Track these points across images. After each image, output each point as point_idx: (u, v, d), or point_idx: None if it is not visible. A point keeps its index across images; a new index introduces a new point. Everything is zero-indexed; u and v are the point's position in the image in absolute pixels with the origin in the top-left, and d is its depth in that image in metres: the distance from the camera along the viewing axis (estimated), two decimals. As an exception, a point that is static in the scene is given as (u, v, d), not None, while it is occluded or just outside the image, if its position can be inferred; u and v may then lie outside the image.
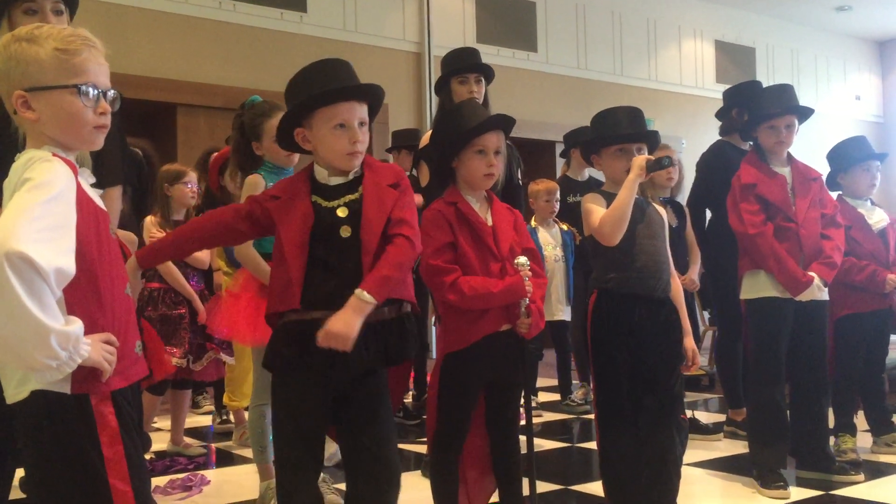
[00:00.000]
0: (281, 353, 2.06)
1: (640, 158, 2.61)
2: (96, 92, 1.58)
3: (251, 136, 3.04)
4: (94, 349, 1.48)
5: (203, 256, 4.07)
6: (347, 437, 2.15)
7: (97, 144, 1.65)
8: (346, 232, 2.06)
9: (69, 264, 1.42)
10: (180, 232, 2.35)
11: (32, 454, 1.54)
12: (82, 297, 1.50)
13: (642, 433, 2.65)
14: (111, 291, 1.58)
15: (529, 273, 2.42)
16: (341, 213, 2.09)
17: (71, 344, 1.42)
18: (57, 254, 1.39)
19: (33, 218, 1.38)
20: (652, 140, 2.76)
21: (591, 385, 2.74)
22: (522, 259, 2.43)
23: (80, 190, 1.54)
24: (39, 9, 2.50)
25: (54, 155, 1.54)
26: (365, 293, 1.96)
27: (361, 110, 2.13)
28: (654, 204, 2.80)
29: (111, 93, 1.62)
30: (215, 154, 4.03)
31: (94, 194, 1.64)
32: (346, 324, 1.93)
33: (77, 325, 1.45)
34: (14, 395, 1.53)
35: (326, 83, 2.09)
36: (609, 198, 2.69)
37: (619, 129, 2.68)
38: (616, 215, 2.58)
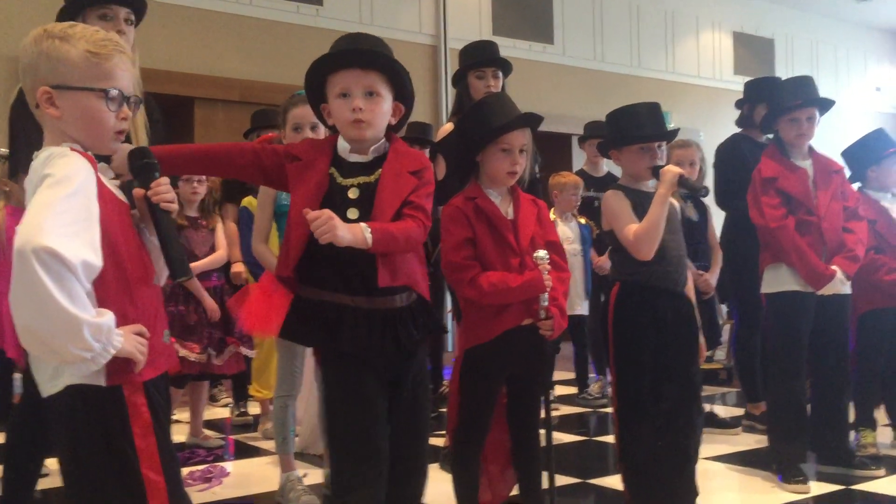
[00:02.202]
0: (316, 334, 2.02)
1: (672, 173, 2.58)
2: (122, 98, 1.60)
3: (280, 124, 3.06)
4: (126, 340, 1.49)
5: (219, 255, 4.05)
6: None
7: (113, 149, 1.66)
8: (353, 214, 1.99)
9: (95, 257, 1.43)
10: (187, 150, 2.15)
11: (67, 447, 1.55)
12: (112, 289, 1.51)
13: (662, 424, 2.65)
14: (139, 282, 1.59)
15: (548, 267, 2.41)
16: (352, 194, 2.02)
17: (104, 335, 1.43)
18: (82, 247, 1.40)
19: (57, 213, 1.39)
20: (672, 139, 2.76)
21: (611, 377, 2.73)
22: (541, 253, 2.42)
23: (100, 183, 1.55)
24: (115, 16, 2.57)
25: (72, 149, 1.54)
26: (368, 231, 1.90)
27: (366, 78, 2.03)
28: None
29: (133, 98, 1.64)
30: (255, 141, 4.02)
31: (115, 187, 1.65)
32: (329, 228, 1.84)
33: (109, 316, 1.46)
34: (48, 389, 1.54)
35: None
36: (630, 194, 2.69)
37: (641, 127, 2.67)
38: (651, 233, 2.57)
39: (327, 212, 1.86)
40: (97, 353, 1.43)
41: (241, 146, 2.11)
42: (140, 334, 1.54)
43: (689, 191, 2.59)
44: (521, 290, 2.38)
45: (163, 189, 1.67)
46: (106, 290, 1.49)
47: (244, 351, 4.03)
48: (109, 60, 1.58)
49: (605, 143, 2.82)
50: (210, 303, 3.91)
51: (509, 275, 2.40)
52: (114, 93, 1.58)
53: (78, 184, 1.46)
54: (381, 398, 2.04)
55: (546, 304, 2.41)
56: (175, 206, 1.70)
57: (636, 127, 2.68)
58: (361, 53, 2.05)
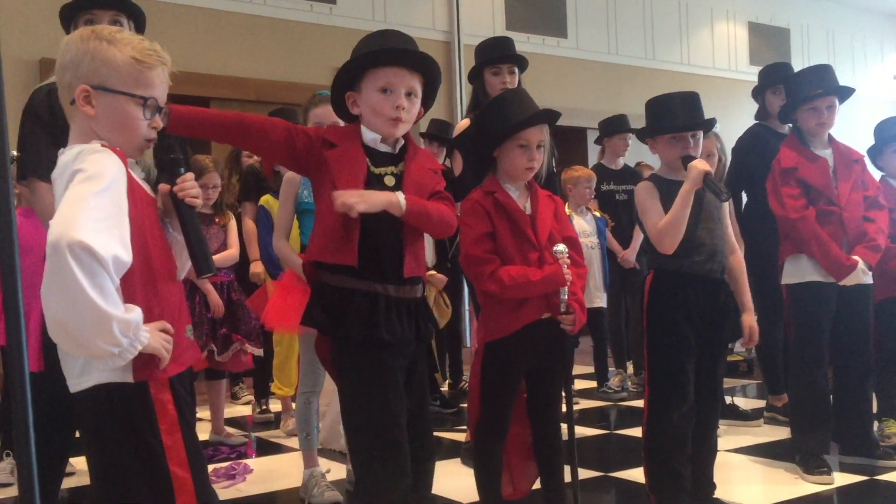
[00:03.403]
0: (351, 322, 2.00)
1: (698, 170, 2.55)
2: (156, 108, 1.63)
3: (301, 122, 3.09)
4: (152, 336, 1.51)
5: (231, 254, 4.05)
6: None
7: (139, 156, 1.69)
8: None
9: (125, 253, 1.45)
10: (221, 115, 2.10)
11: (94, 443, 1.57)
12: (139, 285, 1.53)
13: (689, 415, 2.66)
14: (164, 278, 1.61)
15: (568, 261, 2.42)
16: (388, 181, 2.08)
17: (132, 331, 1.45)
18: (114, 242, 1.42)
19: (90, 208, 1.41)
20: (707, 128, 2.75)
21: (644, 364, 2.72)
22: (561, 247, 2.43)
23: (130, 178, 1.57)
24: (98, 20, 2.60)
25: (103, 146, 1.56)
26: (403, 199, 1.98)
27: (411, 79, 2.10)
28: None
29: (165, 110, 1.67)
30: None
31: (144, 182, 1.67)
32: (362, 196, 1.93)
33: (136, 312, 1.48)
34: (76, 385, 1.56)
35: (380, 47, 2.09)
36: (662, 184, 2.68)
37: (674, 116, 2.67)
38: (674, 228, 2.56)
39: (338, 194, 1.91)
40: (124, 348, 1.45)
41: (274, 121, 2.09)
42: (164, 331, 1.55)
43: (711, 192, 2.58)
44: (542, 284, 2.39)
45: (188, 185, 1.69)
46: (133, 285, 1.51)
47: (250, 348, 4.04)
48: (152, 70, 1.61)
49: (641, 132, 2.81)
50: (215, 299, 3.91)
51: (530, 269, 2.40)
52: (151, 101, 1.61)
53: (110, 180, 1.48)
54: (402, 390, 2.06)
55: (566, 298, 2.42)
56: (200, 202, 1.72)
57: (669, 116, 2.68)
58: (414, 55, 2.10)
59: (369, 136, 2.11)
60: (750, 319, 2.73)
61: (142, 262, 1.54)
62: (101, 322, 1.40)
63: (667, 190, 2.66)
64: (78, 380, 1.55)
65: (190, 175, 1.71)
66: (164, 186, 1.71)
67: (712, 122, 2.75)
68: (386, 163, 2.10)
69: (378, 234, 2.02)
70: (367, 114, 2.11)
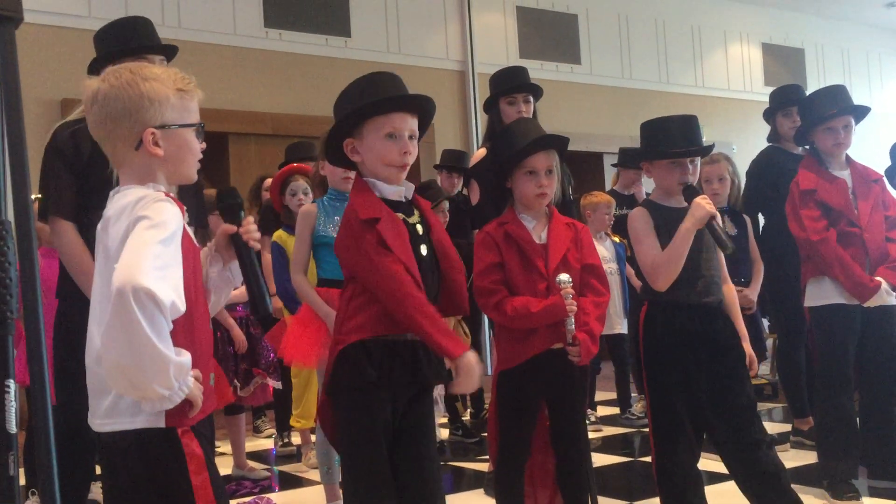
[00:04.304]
0: (365, 372, 2.04)
1: (704, 212, 2.48)
2: (204, 130, 1.70)
3: (321, 156, 3.11)
4: (194, 383, 1.54)
5: (241, 293, 4.05)
6: (397, 453, 2.15)
7: (195, 178, 1.75)
8: (424, 250, 2.11)
9: (181, 302, 1.49)
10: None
11: (122, 485, 1.58)
12: (180, 332, 1.54)
13: (720, 452, 2.61)
14: (200, 326, 1.65)
15: (571, 291, 2.40)
16: (420, 230, 2.14)
17: (183, 375, 1.50)
18: (171, 290, 1.46)
19: (154, 255, 1.45)
20: (704, 154, 2.71)
21: (646, 398, 2.69)
22: (564, 277, 2.41)
23: (184, 229, 1.61)
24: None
25: (166, 195, 1.60)
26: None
27: (412, 122, 2.14)
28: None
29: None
30: (276, 173, 4.05)
31: (191, 231, 1.71)
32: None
33: (187, 357, 1.51)
34: (103, 425, 1.57)
35: (378, 93, 2.11)
36: (657, 211, 2.63)
37: (672, 141, 2.61)
38: (671, 265, 2.50)
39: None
40: (174, 391, 1.49)
41: (395, 266, 2.05)
42: (196, 378, 1.57)
43: (715, 240, 2.50)
44: (543, 315, 2.39)
45: (252, 228, 1.77)
46: (175, 333, 1.52)
47: (270, 382, 4.05)
48: (194, 97, 1.68)
49: (636, 155, 2.78)
50: (239, 335, 3.94)
51: (532, 299, 2.40)
52: (201, 126, 1.68)
53: (172, 230, 1.52)
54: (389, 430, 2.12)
55: (573, 328, 2.40)
56: (259, 246, 1.80)
57: (667, 141, 2.62)
58: (416, 99, 2.14)
59: (387, 189, 2.13)
60: (747, 348, 2.67)
61: (186, 311, 1.56)
62: (159, 365, 1.44)
63: (663, 218, 2.61)
64: (106, 420, 1.56)
65: (251, 219, 1.78)
66: (229, 227, 1.78)
67: (711, 147, 2.71)
68: (403, 210, 2.15)
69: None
70: (371, 161, 2.12)
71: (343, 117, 2.13)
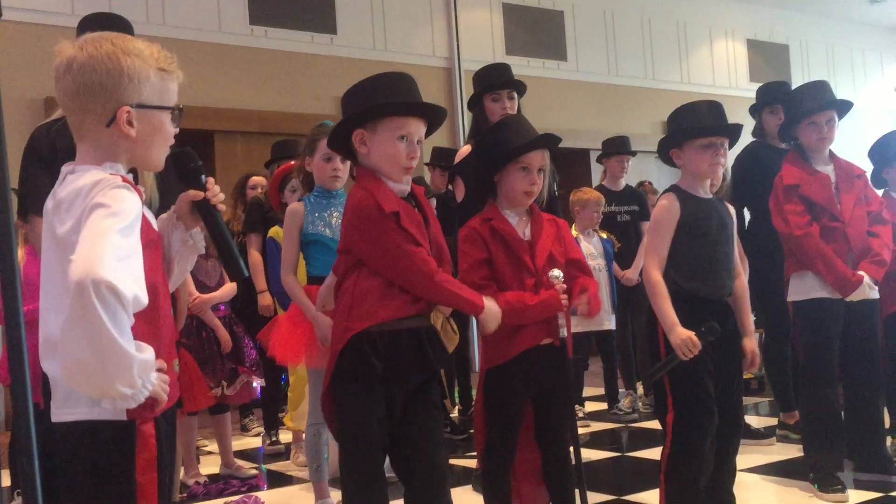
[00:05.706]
0: (371, 363, 2.09)
1: (684, 340, 2.47)
2: (181, 115, 1.60)
3: (307, 152, 3.09)
4: (157, 380, 1.46)
5: (231, 287, 4.00)
6: (404, 444, 2.18)
7: (161, 167, 1.65)
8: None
9: (143, 294, 1.39)
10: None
11: (69, 474, 1.51)
12: (144, 323, 1.46)
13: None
14: (163, 315, 1.58)
15: (564, 286, 2.42)
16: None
17: (146, 373, 1.41)
18: (133, 282, 1.36)
19: (113, 246, 1.35)
20: (734, 133, 2.71)
21: (665, 388, 2.63)
22: (556, 272, 2.42)
23: (144, 216, 1.52)
24: None
25: (123, 179, 1.50)
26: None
27: (423, 129, 2.23)
28: (725, 202, 2.77)
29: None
30: (277, 170, 4.01)
31: (151, 215, 1.63)
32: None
33: (150, 352, 1.42)
34: (59, 414, 1.50)
35: (402, 95, 2.18)
36: (685, 201, 2.64)
37: (702, 123, 2.64)
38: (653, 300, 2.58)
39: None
40: (138, 390, 1.40)
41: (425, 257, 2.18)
42: (160, 369, 1.49)
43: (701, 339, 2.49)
44: (539, 309, 2.40)
45: (217, 189, 1.69)
46: (138, 323, 1.44)
47: (255, 380, 4.03)
48: (176, 78, 1.58)
49: (666, 143, 2.74)
50: (225, 335, 3.92)
51: (526, 294, 2.41)
52: (178, 111, 1.58)
53: (132, 219, 1.43)
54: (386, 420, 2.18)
55: (563, 323, 2.42)
56: (224, 207, 1.73)
57: (697, 122, 2.65)
58: (437, 110, 2.24)
59: (397, 187, 2.21)
60: (752, 344, 2.69)
61: (149, 302, 1.48)
62: (122, 364, 1.35)
63: (689, 208, 2.62)
64: (63, 409, 1.49)
65: (213, 180, 1.69)
66: (196, 193, 1.68)
67: (740, 127, 2.72)
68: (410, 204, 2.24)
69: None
70: (378, 157, 2.18)
71: (364, 109, 2.17)
